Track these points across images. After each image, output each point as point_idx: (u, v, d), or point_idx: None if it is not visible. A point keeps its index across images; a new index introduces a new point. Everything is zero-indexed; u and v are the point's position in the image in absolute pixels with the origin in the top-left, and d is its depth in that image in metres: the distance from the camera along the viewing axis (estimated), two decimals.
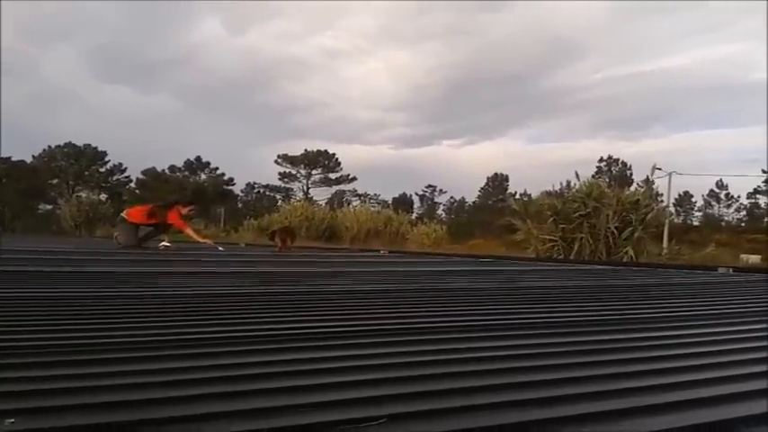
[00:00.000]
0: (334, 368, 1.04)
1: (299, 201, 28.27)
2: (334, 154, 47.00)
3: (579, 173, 10.00)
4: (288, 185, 47.26)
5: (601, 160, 43.50)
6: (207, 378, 0.95)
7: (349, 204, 31.55)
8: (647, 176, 17.24)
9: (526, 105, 68.85)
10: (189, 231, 7.24)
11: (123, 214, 7.24)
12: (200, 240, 7.58)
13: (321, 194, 44.95)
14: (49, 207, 39.53)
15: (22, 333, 1.30)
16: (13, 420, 0.73)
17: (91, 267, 3.52)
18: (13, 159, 40.32)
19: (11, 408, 0.76)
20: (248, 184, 47.22)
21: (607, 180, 11.05)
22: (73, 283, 2.47)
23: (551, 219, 9.36)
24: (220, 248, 7.13)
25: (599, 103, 65.24)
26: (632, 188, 10.82)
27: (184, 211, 7.21)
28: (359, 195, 47.12)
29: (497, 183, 47.27)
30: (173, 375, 0.95)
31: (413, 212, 37.62)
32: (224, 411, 0.78)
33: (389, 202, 40.21)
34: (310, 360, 1.11)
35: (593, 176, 11.18)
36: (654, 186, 13.68)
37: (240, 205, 42.57)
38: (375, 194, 47.57)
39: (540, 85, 67.59)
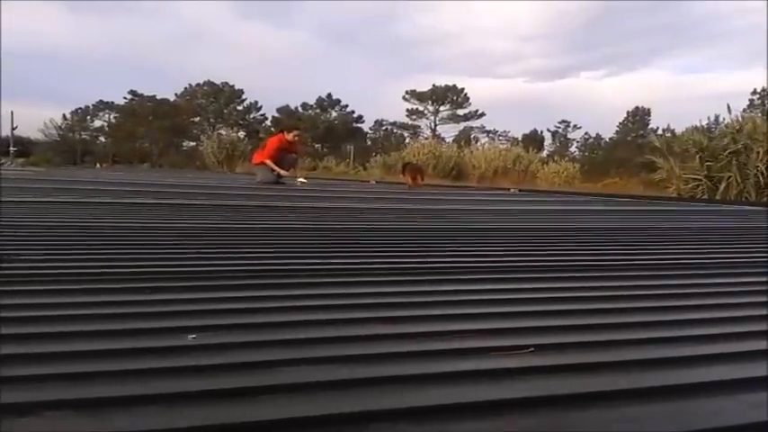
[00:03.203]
0: (479, 300, 1.13)
1: (427, 138, 28.21)
2: (462, 89, 45.94)
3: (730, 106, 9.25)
4: (415, 122, 47.18)
5: (754, 92, 39.24)
6: (373, 303, 1.06)
7: (477, 141, 31.09)
8: None
9: (674, 32, 63.05)
10: (269, 163, 7.03)
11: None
12: (282, 173, 7.08)
13: (449, 131, 44.51)
14: (192, 144, 41.86)
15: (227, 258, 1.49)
16: (194, 336, 0.82)
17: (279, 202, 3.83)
18: (157, 98, 42.91)
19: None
20: (376, 122, 47.68)
21: (760, 114, 10.07)
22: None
23: (697, 156, 8.79)
24: (300, 180, 7.19)
25: (755, 29, 58.61)
26: None
27: (289, 136, 7.13)
28: (487, 132, 46.18)
29: (638, 117, 44.02)
30: (329, 300, 1.08)
31: (543, 150, 36.31)
32: (395, 333, 0.88)
33: (519, 138, 38.97)
34: (448, 292, 1.20)
35: (744, 110, 10.25)
36: None
37: (369, 143, 43.23)
38: (504, 131, 46.37)
39: (690, 10, 61.72)
